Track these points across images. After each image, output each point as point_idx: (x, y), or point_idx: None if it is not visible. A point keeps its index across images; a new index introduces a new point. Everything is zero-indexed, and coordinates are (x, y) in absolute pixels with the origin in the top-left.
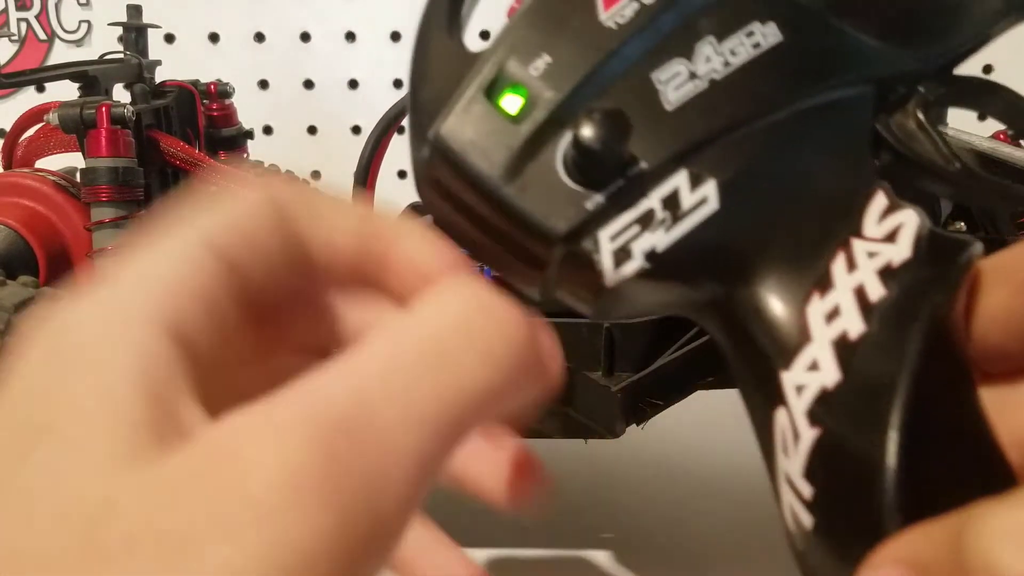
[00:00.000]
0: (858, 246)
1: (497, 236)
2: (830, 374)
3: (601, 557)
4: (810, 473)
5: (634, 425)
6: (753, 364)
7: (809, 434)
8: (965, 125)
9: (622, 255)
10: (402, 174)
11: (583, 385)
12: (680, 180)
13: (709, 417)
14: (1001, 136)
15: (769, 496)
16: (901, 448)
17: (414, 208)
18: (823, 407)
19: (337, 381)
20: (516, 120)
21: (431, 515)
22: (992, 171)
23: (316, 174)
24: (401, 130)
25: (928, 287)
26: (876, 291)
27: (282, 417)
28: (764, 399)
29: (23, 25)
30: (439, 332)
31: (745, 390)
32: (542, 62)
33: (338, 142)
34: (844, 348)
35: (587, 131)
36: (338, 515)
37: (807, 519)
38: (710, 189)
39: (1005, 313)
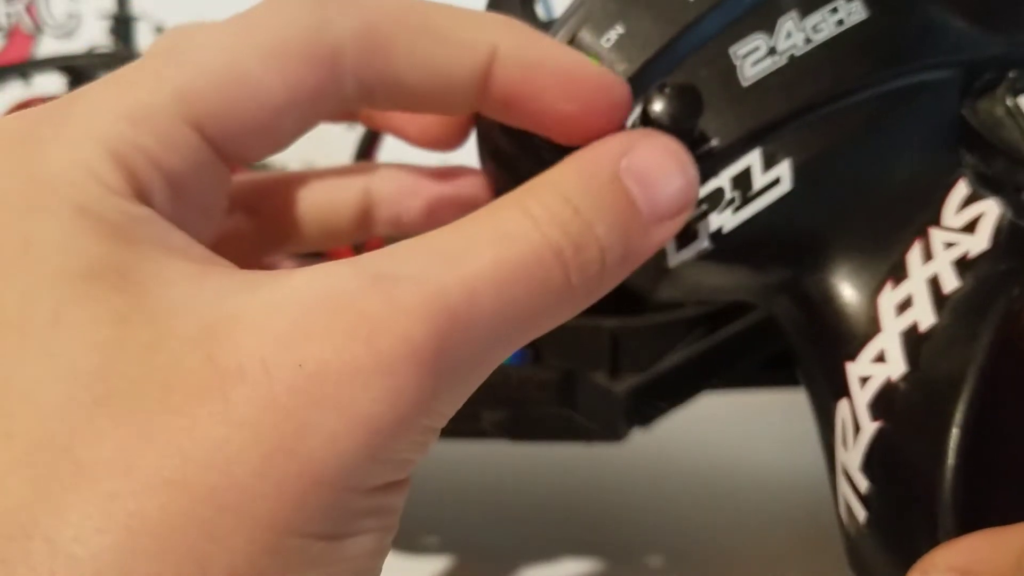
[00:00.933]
0: (936, 236)
1: None
2: (897, 366)
3: (602, 562)
4: (868, 467)
5: (638, 428)
6: (819, 353)
7: (870, 427)
8: None
9: (687, 235)
10: None
11: (585, 387)
12: (753, 159)
13: (716, 420)
14: None
15: (777, 502)
16: (962, 448)
17: None
18: (886, 400)
19: (452, 271)
20: None
21: (432, 520)
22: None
23: (309, 166)
24: None
25: (1004, 280)
26: (951, 282)
27: (409, 299)
28: (828, 389)
29: (11, 17)
30: (540, 255)
31: (808, 379)
32: (615, 32)
33: (331, 132)
34: (913, 340)
35: (657, 106)
36: (437, 386)
37: (861, 513)
38: (784, 169)
39: None
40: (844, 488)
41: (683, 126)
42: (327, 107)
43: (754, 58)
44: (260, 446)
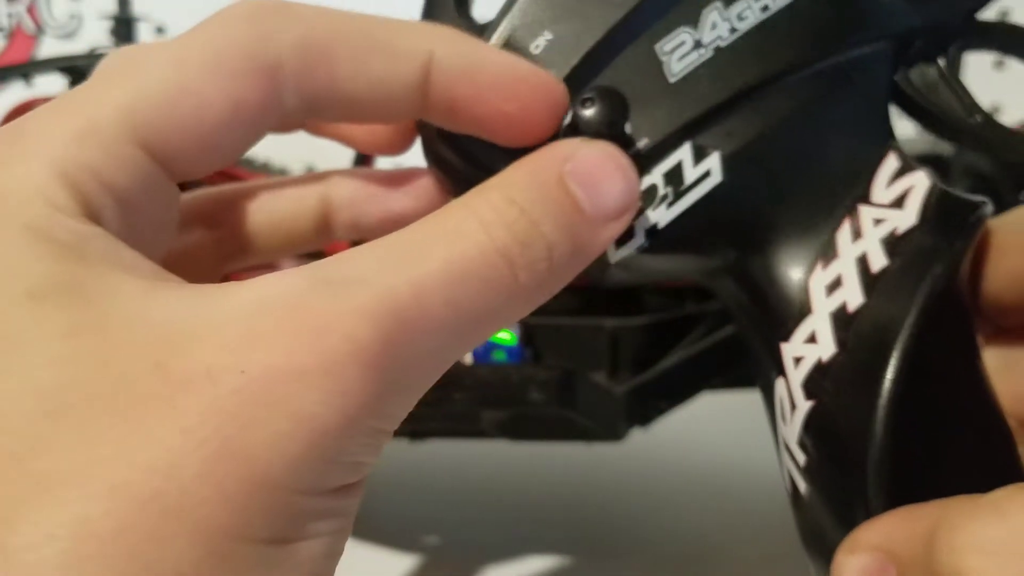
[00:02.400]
0: (865, 213)
1: None
2: (827, 347)
3: (602, 562)
4: (803, 442)
5: (637, 428)
6: (759, 334)
7: (804, 405)
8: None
9: (624, 234)
10: None
11: (585, 387)
12: (684, 154)
13: (715, 419)
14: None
15: (776, 502)
16: (888, 426)
17: None
18: (818, 380)
19: (401, 272)
20: None
21: (432, 521)
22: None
23: (311, 170)
24: None
25: (929, 258)
26: (879, 261)
27: (355, 300)
28: (767, 368)
29: (12, 18)
30: (487, 255)
31: (753, 357)
32: (543, 39)
33: None
34: (842, 321)
35: (584, 113)
36: (384, 387)
37: (802, 485)
38: (714, 162)
39: (1016, 277)
40: (786, 461)
41: (611, 131)
42: (270, 120)
43: (680, 53)
44: (202, 450)
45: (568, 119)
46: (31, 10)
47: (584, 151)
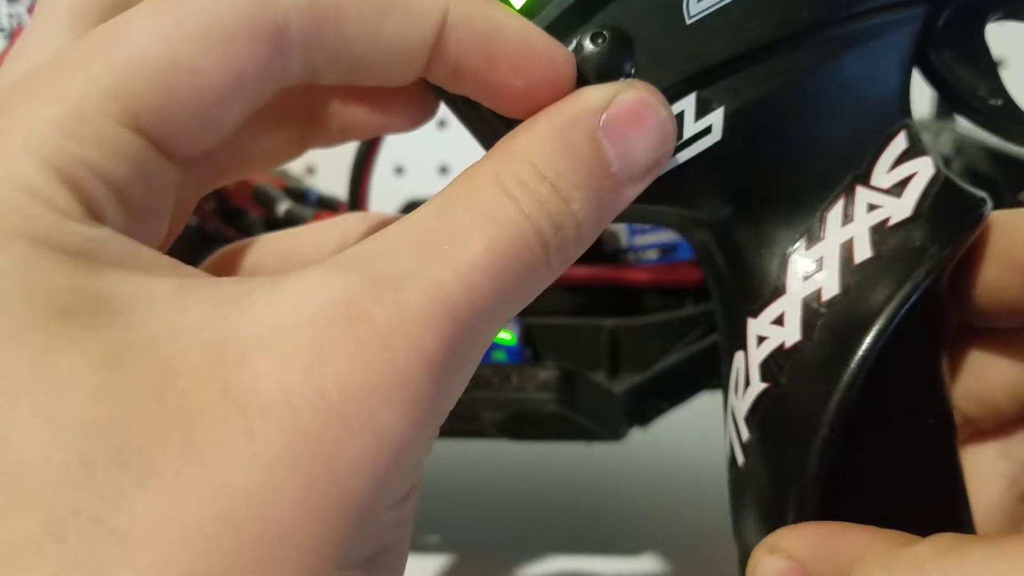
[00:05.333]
0: (860, 196)
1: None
2: (792, 333)
3: (602, 562)
4: (751, 420)
5: (637, 427)
6: (728, 301)
7: (758, 386)
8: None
9: None
10: (399, 170)
11: (585, 387)
12: (686, 105)
13: (714, 419)
14: None
15: None
16: (834, 430)
17: (413, 206)
18: (776, 365)
19: (448, 264)
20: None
21: (432, 519)
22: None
23: (310, 169)
24: None
25: (914, 260)
26: (863, 252)
27: (412, 302)
28: (730, 337)
29: (12, 19)
30: (527, 240)
31: (719, 321)
32: None
33: None
34: (812, 310)
35: (587, 48)
36: (446, 388)
37: (740, 458)
38: (716, 118)
39: (997, 288)
40: (731, 430)
41: (611, 72)
42: (270, 88)
43: None
44: (296, 481)
45: (571, 47)
46: (32, 10)
47: (622, 100)
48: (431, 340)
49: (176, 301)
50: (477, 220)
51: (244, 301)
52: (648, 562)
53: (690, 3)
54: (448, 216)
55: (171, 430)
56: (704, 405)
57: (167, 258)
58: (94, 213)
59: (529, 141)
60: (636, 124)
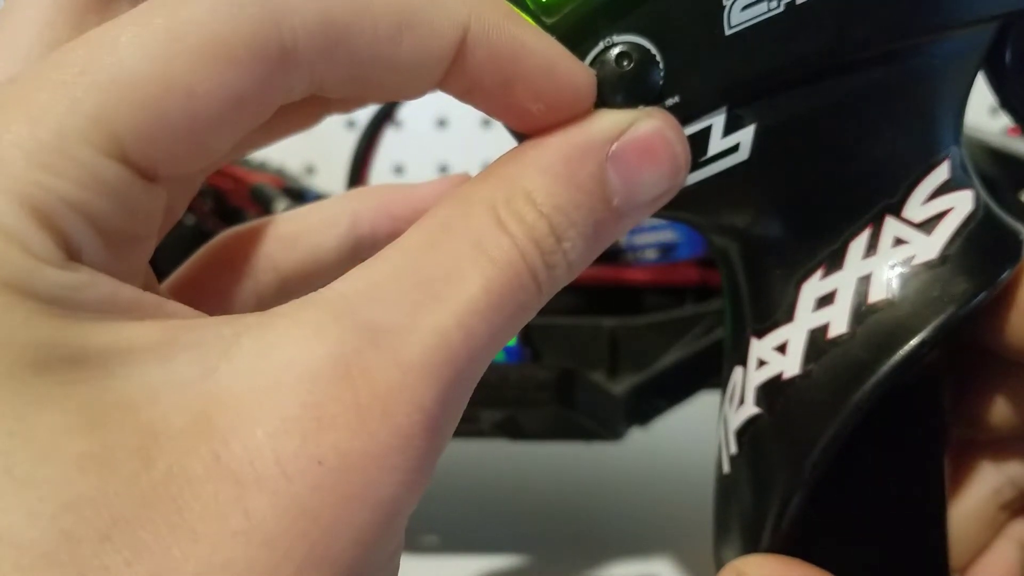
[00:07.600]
0: (889, 226)
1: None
2: (791, 365)
3: (602, 562)
4: (740, 438)
5: (636, 427)
6: (737, 311)
7: (751, 409)
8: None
9: None
10: (398, 169)
11: (584, 386)
12: (715, 120)
13: (714, 419)
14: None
15: None
16: (813, 475)
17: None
18: (771, 394)
19: (443, 307)
20: (547, 10)
21: (432, 521)
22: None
23: (309, 169)
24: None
25: (926, 314)
26: (878, 292)
27: (411, 355)
28: (734, 348)
29: None
30: (522, 280)
31: (726, 324)
32: None
33: (330, 133)
34: (816, 345)
35: (608, 67)
36: (443, 436)
37: (727, 466)
38: (746, 136)
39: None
40: (721, 436)
41: (634, 100)
42: (272, 108)
43: (747, 0)
44: (292, 559)
45: (596, 51)
46: None
47: (638, 130)
48: (431, 397)
49: (159, 351)
50: (472, 256)
51: (231, 350)
52: (648, 562)
53: (732, 13)
54: (441, 249)
55: (159, 502)
56: (703, 405)
57: (150, 296)
58: (72, 253)
59: (531, 167)
60: (648, 158)
